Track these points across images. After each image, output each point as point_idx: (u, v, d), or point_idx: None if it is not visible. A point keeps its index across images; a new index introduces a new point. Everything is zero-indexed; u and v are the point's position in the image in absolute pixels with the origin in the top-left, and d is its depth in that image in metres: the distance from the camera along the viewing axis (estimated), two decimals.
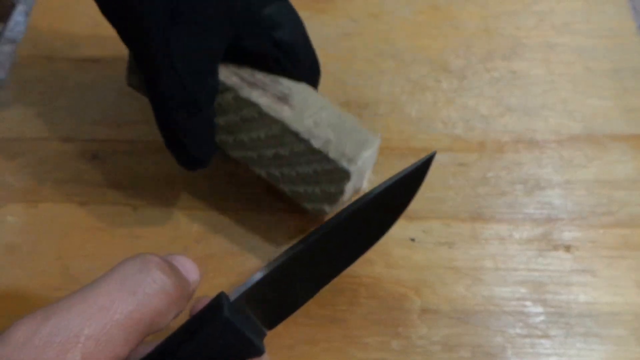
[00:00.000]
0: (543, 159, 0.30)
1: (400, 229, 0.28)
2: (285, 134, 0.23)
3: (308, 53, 0.25)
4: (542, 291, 0.26)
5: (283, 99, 0.24)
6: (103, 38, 0.36)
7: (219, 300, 0.15)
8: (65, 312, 0.13)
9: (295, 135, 0.23)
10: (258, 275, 0.17)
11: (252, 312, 0.16)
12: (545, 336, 0.25)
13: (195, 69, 0.22)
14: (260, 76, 0.24)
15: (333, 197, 0.24)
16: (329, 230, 0.18)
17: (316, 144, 0.23)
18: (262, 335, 0.17)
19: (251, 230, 0.28)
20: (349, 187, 0.24)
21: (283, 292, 0.17)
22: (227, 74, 0.24)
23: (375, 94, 0.33)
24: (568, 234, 0.28)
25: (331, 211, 0.25)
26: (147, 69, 0.22)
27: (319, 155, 0.23)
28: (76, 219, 0.29)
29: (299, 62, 0.24)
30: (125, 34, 0.22)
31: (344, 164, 0.23)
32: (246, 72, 0.24)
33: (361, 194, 0.24)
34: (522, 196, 0.29)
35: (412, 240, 0.28)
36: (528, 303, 0.26)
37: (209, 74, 0.22)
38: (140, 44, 0.21)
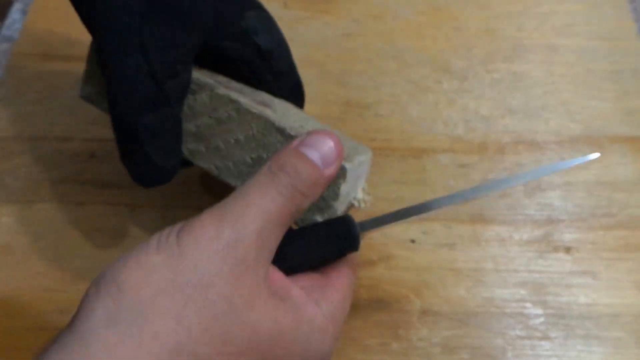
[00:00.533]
0: (544, 160, 0.30)
1: (400, 231, 0.28)
2: (270, 132, 0.21)
3: (290, 69, 0.24)
4: (542, 293, 0.26)
5: (263, 103, 0.22)
6: None
7: (352, 229, 0.19)
8: (235, 217, 0.16)
9: (281, 132, 0.20)
10: (385, 219, 0.20)
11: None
12: (545, 338, 0.25)
13: (167, 58, 0.20)
14: (238, 85, 0.22)
15: (326, 203, 0.21)
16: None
17: None
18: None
19: None
20: (344, 191, 0.21)
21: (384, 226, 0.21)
22: (201, 75, 0.22)
23: (377, 94, 0.33)
24: (568, 236, 0.28)
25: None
26: (113, 57, 0.20)
27: None
28: (72, 220, 0.29)
29: (280, 74, 0.23)
30: (90, 18, 0.20)
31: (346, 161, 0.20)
32: (222, 78, 0.22)
33: (355, 207, 0.23)
34: (522, 198, 0.29)
35: (413, 241, 0.28)
36: (528, 305, 0.26)
37: (181, 66, 0.21)
38: (108, 28, 0.20)
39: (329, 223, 0.19)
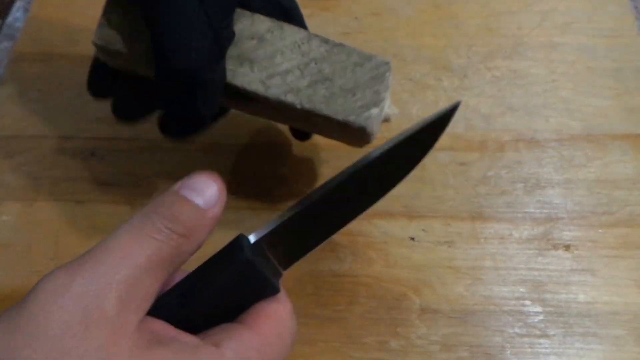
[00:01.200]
0: (544, 158, 0.30)
1: (400, 228, 0.28)
2: (310, 40, 0.23)
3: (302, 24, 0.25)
4: (541, 290, 0.26)
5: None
6: None
7: (240, 242, 0.16)
8: (93, 264, 0.14)
9: (324, 40, 0.23)
10: (277, 221, 0.18)
11: (270, 253, 0.17)
12: (544, 336, 0.25)
13: (222, 9, 0.20)
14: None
15: (379, 98, 0.22)
16: (345, 178, 0.18)
17: (352, 47, 0.23)
18: (279, 275, 0.18)
19: (250, 228, 0.28)
20: (389, 84, 0.23)
21: (299, 237, 0.18)
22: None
23: None
24: (568, 234, 0.28)
25: (378, 123, 0.23)
26: (170, 6, 0.20)
27: (359, 55, 0.23)
28: (72, 218, 0.29)
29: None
30: None
31: (383, 57, 0.23)
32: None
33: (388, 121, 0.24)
34: (522, 195, 0.29)
35: (412, 239, 0.28)
36: (527, 302, 0.26)
37: (230, 18, 0.21)
38: None
39: (221, 258, 0.16)
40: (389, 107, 0.24)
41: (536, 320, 0.25)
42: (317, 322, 0.25)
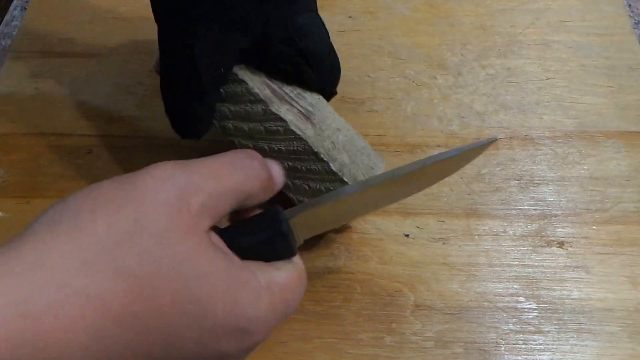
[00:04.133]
0: (537, 156, 0.30)
1: (394, 225, 0.28)
2: (306, 152, 0.25)
3: (330, 60, 0.26)
4: (535, 287, 0.26)
5: (307, 116, 0.25)
6: (98, 33, 0.36)
7: (278, 214, 0.20)
8: (191, 169, 0.17)
9: (316, 155, 0.25)
10: (308, 206, 0.21)
11: (294, 227, 0.21)
12: (539, 332, 0.25)
13: (212, 62, 0.24)
14: (288, 89, 0.26)
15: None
16: (374, 186, 0.21)
17: (334, 166, 0.25)
18: (298, 243, 0.21)
19: None
20: None
21: (321, 221, 0.22)
22: (260, 86, 0.25)
23: (372, 90, 0.33)
24: (562, 230, 0.28)
25: None
26: (168, 56, 0.24)
27: (334, 177, 0.25)
28: None
29: (319, 69, 0.26)
30: (156, 13, 0.24)
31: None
32: (276, 84, 0.26)
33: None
34: (516, 192, 0.29)
35: (407, 236, 0.28)
36: (521, 299, 0.26)
37: (225, 68, 0.24)
38: (165, 37, 0.24)
39: (262, 221, 0.20)
40: None
41: (530, 317, 0.26)
42: (313, 318, 0.26)
